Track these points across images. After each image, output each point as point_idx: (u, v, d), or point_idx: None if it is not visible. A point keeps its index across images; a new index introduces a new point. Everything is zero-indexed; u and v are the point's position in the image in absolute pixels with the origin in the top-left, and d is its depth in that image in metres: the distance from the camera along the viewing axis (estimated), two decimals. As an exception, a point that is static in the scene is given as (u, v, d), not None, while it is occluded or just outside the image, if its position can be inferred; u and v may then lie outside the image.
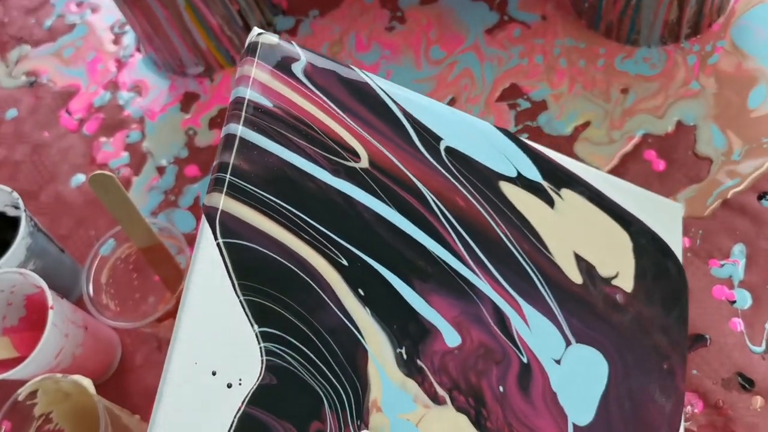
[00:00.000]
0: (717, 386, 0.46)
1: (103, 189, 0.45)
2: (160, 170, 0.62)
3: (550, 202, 0.40)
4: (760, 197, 0.51)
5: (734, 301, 0.48)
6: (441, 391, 0.34)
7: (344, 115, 0.35)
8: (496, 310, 0.36)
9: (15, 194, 0.51)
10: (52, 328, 0.44)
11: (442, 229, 0.36)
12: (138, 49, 0.70)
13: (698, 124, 0.55)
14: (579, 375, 0.38)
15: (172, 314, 0.47)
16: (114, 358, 0.54)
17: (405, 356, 0.32)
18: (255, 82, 0.33)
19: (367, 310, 0.32)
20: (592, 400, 0.38)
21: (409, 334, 0.33)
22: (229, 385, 0.28)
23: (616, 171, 0.54)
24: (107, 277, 0.50)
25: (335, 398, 0.30)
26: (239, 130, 0.32)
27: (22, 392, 0.42)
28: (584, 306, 0.40)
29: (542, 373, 0.37)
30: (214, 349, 0.29)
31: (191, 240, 0.59)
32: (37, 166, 0.65)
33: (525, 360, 0.36)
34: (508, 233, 0.38)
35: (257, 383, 0.29)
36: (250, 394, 0.29)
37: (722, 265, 0.50)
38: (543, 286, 0.38)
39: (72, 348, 0.47)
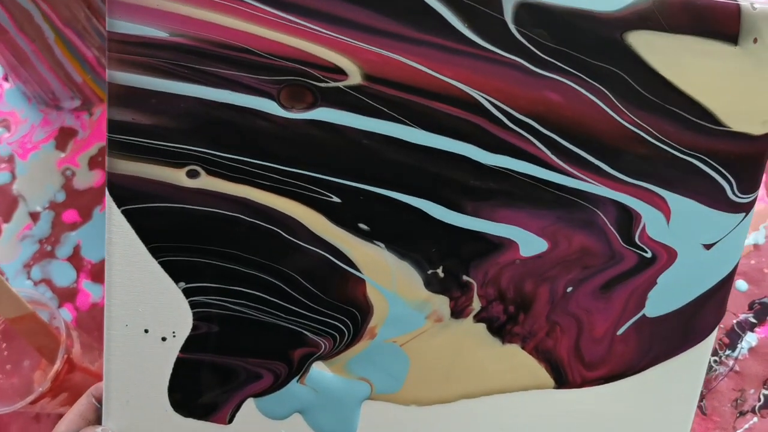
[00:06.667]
0: None
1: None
2: (34, 216, 0.57)
3: (732, 39, 0.30)
4: None
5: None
6: (476, 304, 0.32)
7: (311, 24, 0.28)
8: (621, 210, 0.32)
9: None
10: None
11: (513, 138, 0.30)
12: (5, 78, 0.64)
13: None
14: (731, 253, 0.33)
15: (47, 394, 0.42)
16: (-16, 435, 0.48)
17: (442, 274, 0.32)
18: (131, 7, 0.27)
19: (377, 243, 0.31)
20: (703, 284, 0.33)
21: (453, 253, 0.32)
22: (164, 339, 0.32)
23: None
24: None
25: (321, 328, 0.32)
26: (112, 76, 0.28)
27: None
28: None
29: (667, 263, 0.32)
30: (143, 309, 0.31)
31: (68, 296, 0.54)
32: None
33: (648, 255, 0.32)
34: (641, 122, 0.30)
35: (190, 333, 0.32)
36: (184, 342, 0.32)
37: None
38: (707, 165, 0.31)
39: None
